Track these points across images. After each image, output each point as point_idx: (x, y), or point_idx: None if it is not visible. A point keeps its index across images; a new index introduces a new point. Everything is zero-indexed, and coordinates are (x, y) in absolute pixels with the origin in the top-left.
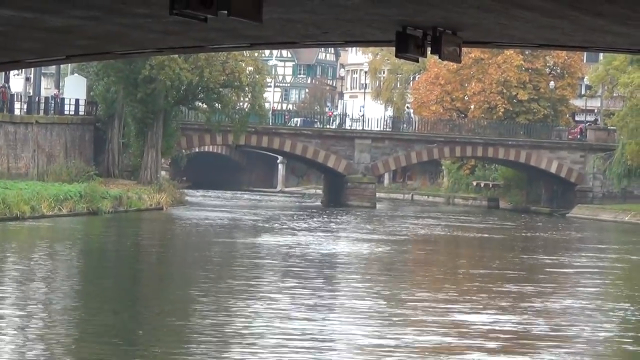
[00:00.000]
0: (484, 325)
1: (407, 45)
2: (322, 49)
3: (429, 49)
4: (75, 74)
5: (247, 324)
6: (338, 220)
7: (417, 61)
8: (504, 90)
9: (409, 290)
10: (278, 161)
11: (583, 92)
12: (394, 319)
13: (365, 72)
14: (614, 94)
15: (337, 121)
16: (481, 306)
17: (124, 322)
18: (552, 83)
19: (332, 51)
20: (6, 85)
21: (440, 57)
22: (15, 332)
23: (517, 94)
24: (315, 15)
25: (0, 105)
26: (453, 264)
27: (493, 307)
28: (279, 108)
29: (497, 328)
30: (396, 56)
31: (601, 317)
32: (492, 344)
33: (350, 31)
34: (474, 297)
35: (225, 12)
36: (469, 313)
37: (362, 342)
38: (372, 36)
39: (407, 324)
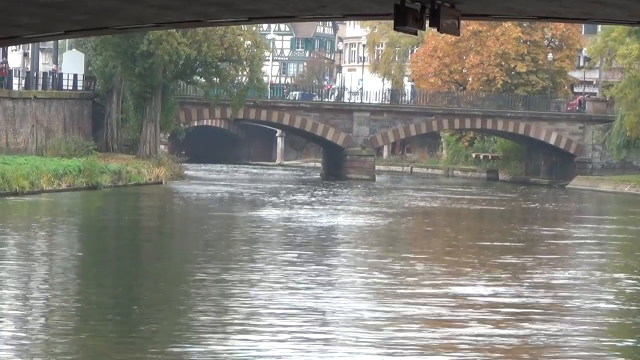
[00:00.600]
0: (484, 297)
1: (406, 18)
2: (320, 22)
3: (427, 22)
4: (73, 49)
5: (246, 298)
6: (337, 193)
7: (416, 34)
8: (502, 63)
9: (408, 262)
10: (277, 134)
11: (581, 63)
12: (393, 291)
13: (364, 46)
14: (613, 66)
15: (336, 94)
16: (481, 278)
17: (122, 296)
18: (550, 55)
19: (330, 25)
20: (6, 61)
21: (438, 30)
22: (15, 307)
23: (516, 66)
24: None
25: (0, 81)
26: (453, 236)
27: (493, 279)
28: (277, 82)
29: (497, 300)
30: (395, 29)
31: (601, 288)
32: (492, 316)
33: (349, 5)
34: (473, 269)
35: None
36: (469, 285)
37: (361, 315)
38: (370, 9)
39: (407, 297)
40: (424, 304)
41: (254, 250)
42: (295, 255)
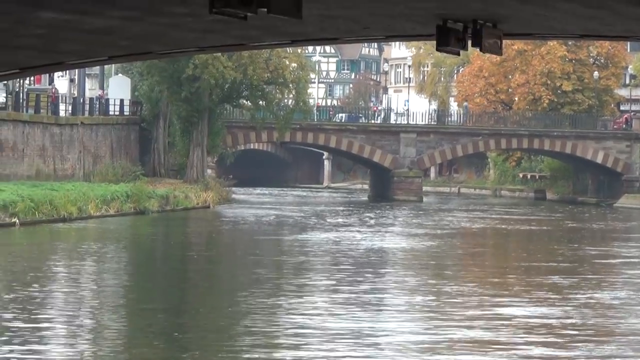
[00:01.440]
0: (534, 319)
1: (448, 39)
2: (366, 44)
3: (469, 42)
4: (119, 75)
5: (294, 324)
6: (385, 215)
7: (459, 54)
8: (548, 82)
9: (457, 285)
10: (324, 157)
11: (627, 81)
12: (443, 314)
13: (409, 66)
14: None
15: (382, 116)
16: (530, 300)
17: (171, 322)
18: (596, 73)
19: (376, 46)
20: (54, 86)
21: (481, 50)
22: (65, 331)
23: (562, 84)
24: (355, 10)
25: (52, 107)
26: (501, 257)
27: (542, 301)
28: (323, 104)
29: (547, 322)
30: (437, 50)
31: None
32: (543, 339)
33: (391, 26)
34: (523, 291)
35: (265, 9)
36: (519, 307)
37: (411, 339)
38: (413, 30)
39: (456, 320)
40: (475, 327)
41: (302, 275)
42: (344, 279)
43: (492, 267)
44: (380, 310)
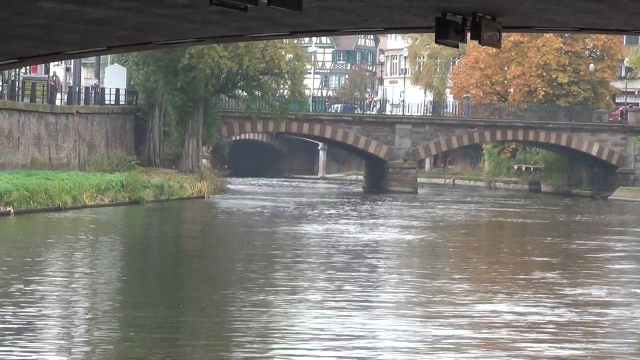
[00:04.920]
0: (524, 315)
1: (447, 31)
2: (362, 35)
3: (468, 35)
4: (115, 64)
5: (287, 318)
6: (380, 206)
7: (457, 47)
8: (544, 74)
9: (448, 280)
10: (319, 148)
11: (623, 74)
12: (434, 312)
13: (405, 57)
14: None
15: (378, 107)
16: (523, 296)
17: (165, 316)
18: (592, 65)
19: (372, 37)
20: (55, 73)
21: (480, 43)
22: (59, 324)
23: (557, 76)
24: (355, 2)
25: (49, 96)
26: (494, 251)
27: (533, 297)
28: (319, 95)
29: (540, 319)
30: (436, 42)
31: None
32: (536, 336)
33: (390, 18)
34: (516, 287)
35: (265, 1)
36: (512, 304)
37: (400, 337)
38: (412, 22)
39: (447, 317)
40: (464, 325)
41: (294, 268)
42: (335, 273)
43: (485, 261)
44: (369, 307)
